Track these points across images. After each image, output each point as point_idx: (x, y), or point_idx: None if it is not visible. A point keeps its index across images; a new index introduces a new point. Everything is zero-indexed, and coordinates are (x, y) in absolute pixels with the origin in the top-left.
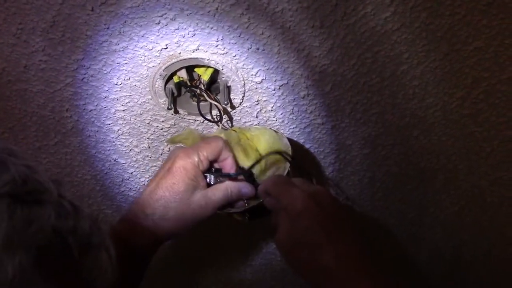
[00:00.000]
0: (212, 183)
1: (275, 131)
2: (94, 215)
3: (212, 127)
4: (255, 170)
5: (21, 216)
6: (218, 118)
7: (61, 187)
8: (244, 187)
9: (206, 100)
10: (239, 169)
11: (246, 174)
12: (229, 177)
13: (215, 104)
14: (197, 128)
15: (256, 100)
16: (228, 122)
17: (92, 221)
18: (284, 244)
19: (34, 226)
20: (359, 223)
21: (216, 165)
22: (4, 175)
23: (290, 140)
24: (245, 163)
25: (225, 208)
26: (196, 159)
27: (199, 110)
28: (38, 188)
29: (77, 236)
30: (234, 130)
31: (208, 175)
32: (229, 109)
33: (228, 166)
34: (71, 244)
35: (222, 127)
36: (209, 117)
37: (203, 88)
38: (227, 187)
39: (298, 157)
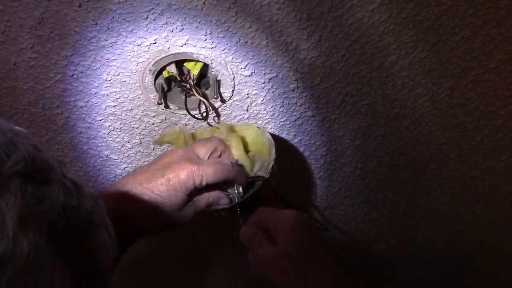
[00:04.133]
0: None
1: (257, 127)
2: (94, 194)
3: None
4: (245, 165)
5: (32, 194)
6: (205, 115)
7: (64, 167)
8: (223, 198)
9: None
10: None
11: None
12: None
13: (202, 100)
14: (188, 122)
15: (246, 93)
16: (216, 118)
17: (93, 200)
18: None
19: (45, 203)
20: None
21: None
22: (14, 155)
23: (274, 136)
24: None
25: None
26: (196, 171)
27: (186, 106)
28: (46, 167)
29: (80, 214)
30: (217, 128)
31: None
32: (219, 103)
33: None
34: (74, 221)
35: (207, 125)
36: (196, 113)
37: (192, 83)
38: (209, 196)
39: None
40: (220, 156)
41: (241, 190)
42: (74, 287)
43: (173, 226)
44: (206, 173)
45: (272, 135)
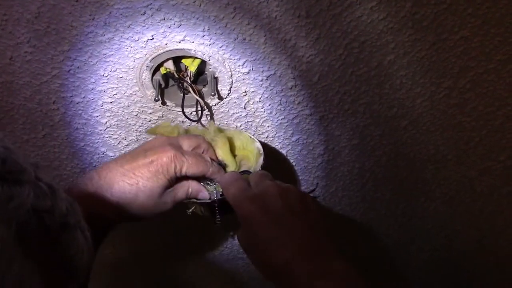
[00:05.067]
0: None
1: (249, 135)
2: (70, 198)
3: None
4: (230, 166)
5: (1, 192)
6: (200, 115)
7: (38, 169)
8: (202, 192)
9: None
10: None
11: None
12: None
13: (197, 99)
14: (185, 119)
15: (244, 91)
16: (209, 117)
17: (69, 203)
18: (242, 244)
19: (14, 202)
20: (323, 216)
21: None
22: None
23: (267, 145)
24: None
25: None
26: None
27: (182, 105)
28: (17, 168)
29: (54, 216)
30: (207, 128)
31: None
32: (216, 100)
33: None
34: (48, 223)
35: (198, 125)
36: (193, 111)
37: (189, 81)
38: (189, 186)
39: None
40: (202, 153)
41: (220, 188)
42: None
43: (151, 212)
44: (188, 161)
45: (263, 144)
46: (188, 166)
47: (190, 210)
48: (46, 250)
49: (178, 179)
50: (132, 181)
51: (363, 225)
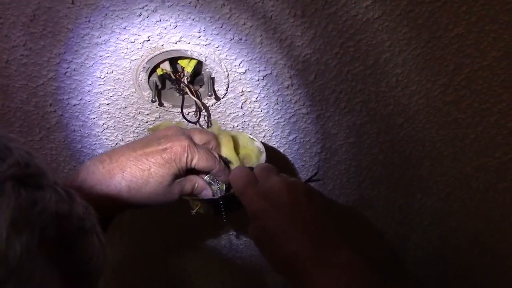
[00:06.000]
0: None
1: (249, 136)
2: (85, 202)
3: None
4: (234, 163)
5: (25, 197)
6: (198, 116)
7: (55, 174)
8: (207, 189)
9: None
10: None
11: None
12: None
13: (194, 100)
14: (182, 120)
15: (241, 91)
16: (206, 117)
17: (85, 207)
18: (252, 237)
19: (37, 207)
20: (328, 208)
21: None
22: (9, 159)
23: (264, 144)
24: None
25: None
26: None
27: (182, 107)
28: (39, 172)
29: (72, 221)
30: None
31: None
32: (213, 100)
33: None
34: (66, 228)
35: (197, 126)
36: (192, 111)
37: (185, 82)
38: (196, 181)
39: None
40: (211, 149)
41: (224, 187)
42: None
43: (158, 200)
44: (199, 153)
45: (265, 144)
46: (199, 158)
47: (194, 210)
48: (63, 254)
49: (187, 171)
50: (144, 167)
51: (360, 223)
